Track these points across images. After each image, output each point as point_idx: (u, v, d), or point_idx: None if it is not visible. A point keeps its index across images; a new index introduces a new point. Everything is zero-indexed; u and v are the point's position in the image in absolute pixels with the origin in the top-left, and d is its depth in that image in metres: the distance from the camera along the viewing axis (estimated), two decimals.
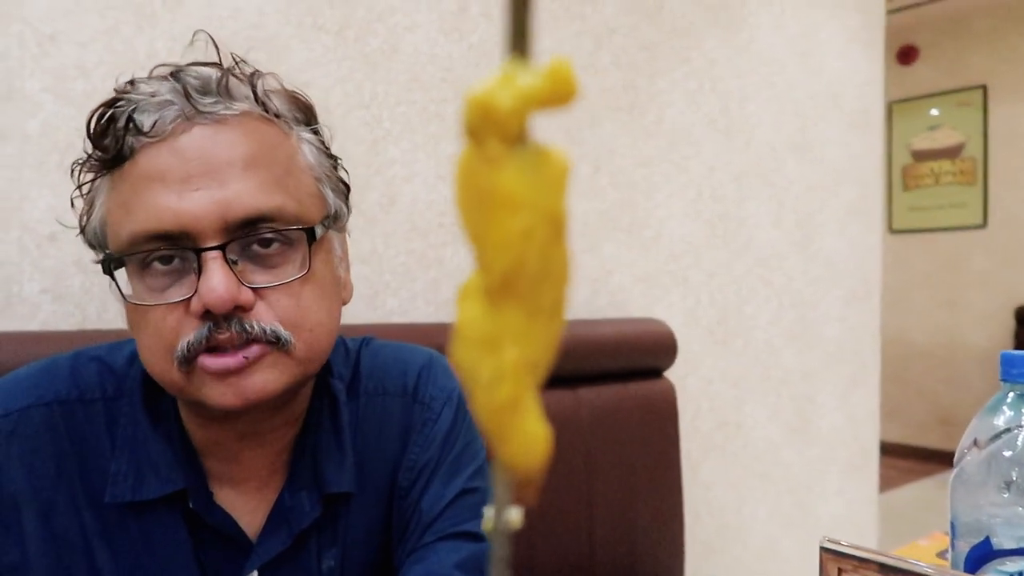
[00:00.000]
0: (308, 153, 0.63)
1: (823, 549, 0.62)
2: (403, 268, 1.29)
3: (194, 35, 0.62)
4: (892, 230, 5.11)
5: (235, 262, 0.56)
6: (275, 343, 0.57)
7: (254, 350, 0.57)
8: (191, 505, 0.62)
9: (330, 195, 0.64)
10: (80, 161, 0.59)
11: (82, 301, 0.97)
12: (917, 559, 0.59)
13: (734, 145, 1.89)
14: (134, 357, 0.66)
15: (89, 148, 0.58)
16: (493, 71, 0.20)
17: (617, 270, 1.64)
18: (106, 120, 0.57)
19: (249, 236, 0.57)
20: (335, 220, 0.65)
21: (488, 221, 0.20)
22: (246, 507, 0.66)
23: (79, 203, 0.61)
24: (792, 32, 2.04)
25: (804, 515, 2.08)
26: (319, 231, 0.60)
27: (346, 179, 0.67)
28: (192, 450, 0.64)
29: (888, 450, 4.76)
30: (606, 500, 1.37)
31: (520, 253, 0.20)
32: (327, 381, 0.69)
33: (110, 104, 0.57)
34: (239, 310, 0.56)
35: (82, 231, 0.61)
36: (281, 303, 0.58)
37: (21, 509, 0.59)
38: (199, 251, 0.55)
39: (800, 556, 2.03)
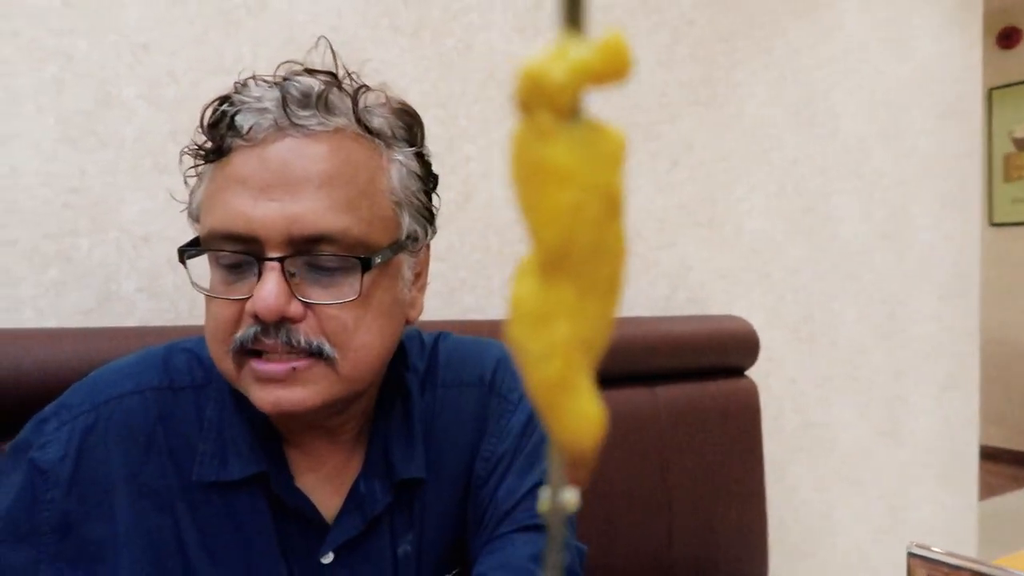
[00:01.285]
0: (394, 175, 0.63)
1: (911, 555, 0.59)
2: (479, 265, 1.29)
3: (317, 41, 0.63)
4: (992, 223, 4.84)
5: (293, 274, 0.58)
6: (319, 355, 0.59)
7: (302, 362, 0.58)
8: (272, 487, 0.64)
9: (407, 219, 0.63)
10: (189, 148, 0.62)
11: (175, 298, 1.01)
12: (1021, 570, 0.55)
13: (819, 136, 1.82)
14: None
15: (196, 140, 0.61)
16: (546, 45, 0.20)
17: (696, 266, 1.60)
18: (217, 115, 0.59)
19: (309, 254, 0.58)
20: (407, 244, 0.64)
21: (538, 194, 0.20)
22: (324, 492, 0.67)
23: (191, 183, 0.64)
24: (881, 16, 1.96)
25: (896, 522, 1.99)
26: (378, 259, 0.60)
27: (436, 202, 0.68)
28: (274, 435, 0.66)
29: (990, 455, 4.51)
30: (685, 501, 1.34)
31: (570, 227, 0.20)
32: (400, 375, 0.70)
33: (223, 100, 0.60)
34: (287, 321, 0.58)
35: (188, 209, 0.64)
36: (331, 321, 0.59)
37: (114, 488, 0.62)
38: (261, 259, 0.57)
39: (891, 565, 1.94)
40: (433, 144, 1.24)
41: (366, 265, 0.59)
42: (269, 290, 0.56)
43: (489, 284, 1.30)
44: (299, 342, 0.57)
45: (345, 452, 0.68)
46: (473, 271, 1.29)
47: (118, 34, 0.99)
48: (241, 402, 0.66)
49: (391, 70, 1.21)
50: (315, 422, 0.65)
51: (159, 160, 1.00)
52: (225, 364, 0.60)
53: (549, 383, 0.21)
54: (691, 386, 1.40)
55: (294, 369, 0.58)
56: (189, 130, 0.64)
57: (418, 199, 0.65)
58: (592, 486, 1.21)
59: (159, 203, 1.00)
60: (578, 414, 0.21)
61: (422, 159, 0.66)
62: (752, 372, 1.53)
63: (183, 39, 1.03)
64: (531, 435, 0.72)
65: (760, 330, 1.58)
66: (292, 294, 0.57)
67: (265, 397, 0.58)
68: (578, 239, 0.20)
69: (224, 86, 0.63)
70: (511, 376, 0.75)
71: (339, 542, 0.65)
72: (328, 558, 0.65)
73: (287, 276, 0.57)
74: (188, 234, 0.65)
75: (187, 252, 0.60)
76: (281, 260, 0.56)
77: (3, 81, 0.92)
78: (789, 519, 1.75)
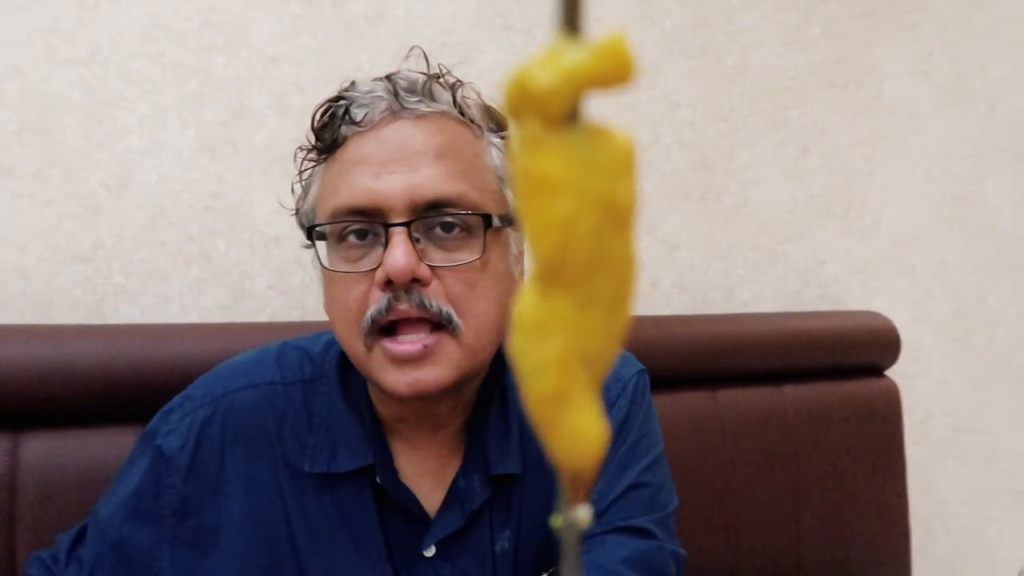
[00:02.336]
0: (495, 155, 0.67)
1: None
2: None
3: (410, 50, 0.69)
4: None
5: (417, 240, 0.61)
6: (446, 326, 0.61)
7: (431, 338, 0.61)
8: (378, 480, 0.66)
9: (511, 196, 0.68)
10: (303, 148, 0.67)
11: (303, 296, 1.08)
12: None
13: (972, 117, 1.67)
14: (330, 344, 0.72)
15: (309, 141, 0.67)
16: (542, 47, 0.19)
17: (830, 259, 1.51)
18: (327, 115, 0.65)
19: (432, 217, 0.61)
20: (513, 219, 0.68)
21: (532, 204, 0.19)
22: (427, 486, 0.69)
23: (298, 189, 0.69)
24: None
25: None
26: (496, 221, 0.64)
27: None
28: (381, 430, 0.69)
29: None
30: (815, 507, 1.27)
31: (564, 240, 0.19)
32: (497, 370, 0.71)
33: (332, 101, 0.65)
34: (417, 284, 0.60)
35: (296, 214, 0.69)
36: (454, 286, 0.62)
37: (228, 477, 0.67)
38: (387, 226, 0.60)
39: None
40: None
41: (487, 222, 0.63)
42: (400, 252, 0.59)
43: None
44: (431, 304, 0.60)
45: (448, 447, 0.70)
46: None
47: (250, 49, 1.06)
48: (349, 397, 0.69)
49: (504, 68, 1.22)
50: (431, 410, 0.67)
51: (287, 166, 1.06)
52: (356, 347, 0.63)
53: (543, 398, 0.20)
54: (822, 385, 1.32)
55: (425, 347, 0.61)
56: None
57: None
58: (712, 486, 1.18)
59: (287, 203, 1.06)
60: (574, 431, 0.21)
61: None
62: (893, 372, 1.43)
63: (307, 51, 1.09)
64: (626, 437, 0.71)
65: (903, 327, 1.47)
66: (419, 258, 0.60)
67: (401, 379, 0.61)
68: (574, 251, 0.19)
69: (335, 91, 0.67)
70: (608, 374, 0.73)
71: (440, 536, 0.67)
72: (430, 551, 0.67)
73: (413, 241, 0.60)
74: None
75: (316, 229, 0.64)
76: (407, 224, 0.60)
77: (151, 98, 1.01)
78: (937, 533, 1.62)
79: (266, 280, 1.06)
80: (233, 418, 0.68)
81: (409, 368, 0.61)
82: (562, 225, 0.19)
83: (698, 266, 1.37)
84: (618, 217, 0.20)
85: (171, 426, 0.69)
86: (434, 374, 0.61)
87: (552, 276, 0.20)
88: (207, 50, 1.03)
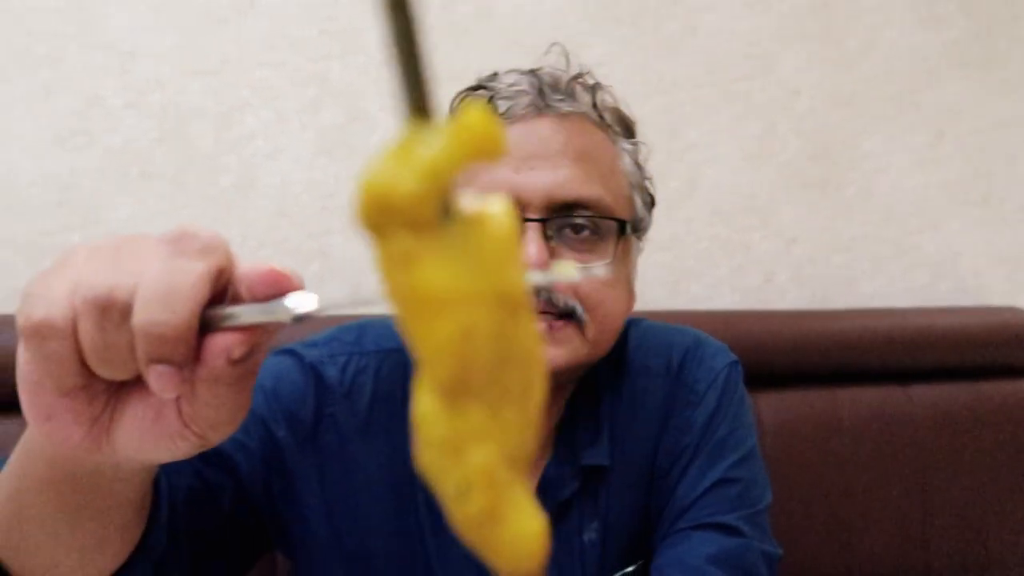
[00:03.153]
0: (627, 161, 0.68)
1: None
2: (706, 254, 1.25)
3: (550, 47, 0.70)
4: None
5: (550, 238, 0.62)
6: (572, 317, 0.62)
7: (558, 322, 0.62)
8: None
9: (639, 203, 0.69)
10: None
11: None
12: None
13: None
14: None
15: None
16: (388, 143, 0.16)
17: (966, 251, 1.41)
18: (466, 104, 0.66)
19: (567, 217, 0.62)
20: (638, 226, 0.69)
21: (420, 325, 0.17)
22: None
23: None
24: None
25: None
26: (629, 227, 0.66)
27: (653, 194, 0.72)
28: None
29: None
30: (945, 515, 1.19)
31: (463, 354, 0.17)
32: (592, 370, 0.71)
33: (471, 90, 0.67)
34: None
35: None
36: (583, 286, 0.63)
37: (373, 430, 0.67)
38: (524, 219, 0.61)
39: None
40: (655, 133, 1.23)
41: (622, 228, 0.64)
42: (535, 247, 0.60)
43: (716, 272, 1.26)
44: (557, 300, 0.61)
45: (542, 440, 0.70)
46: (700, 260, 1.25)
47: (365, 55, 1.11)
48: None
49: (612, 62, 1.21)
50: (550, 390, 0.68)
51: None
52: None
53: (473, 519, 0.18)
54: (956, 387, 1.23)
55: (550, 327, 0.62)
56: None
57: (645, 187, 0.70)
58: (828, 488, 1.12)
59: None
60: (512, 540, 0.19)
61: (637, 156, 0.70)
62: None
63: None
64: (716, 429, 0.70)
65: None
66: (551, 256, 0.62)
67: None
68: (476, 360, 0.17)
69: (449, 92, 0.69)
70: (697, 366, 0.73)
71: None
72: None
73: (546, 238, 0.61)
74: None
75: None
76: (542, 221, 0.61)
77: (274, 104, 1.07)
78: None
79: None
80: (383, 375, 0.69)
81: None
82: (460, 341, 0.17)
83: (817, 259, 1.32)
84: (513, 305, 0.18)
85: (324, 357, 0.69)
86: (553, 354, 0.62)
87: (457, 391, 0.18)
88: (324, 58, 1.09)
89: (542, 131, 0.63)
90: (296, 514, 0.66)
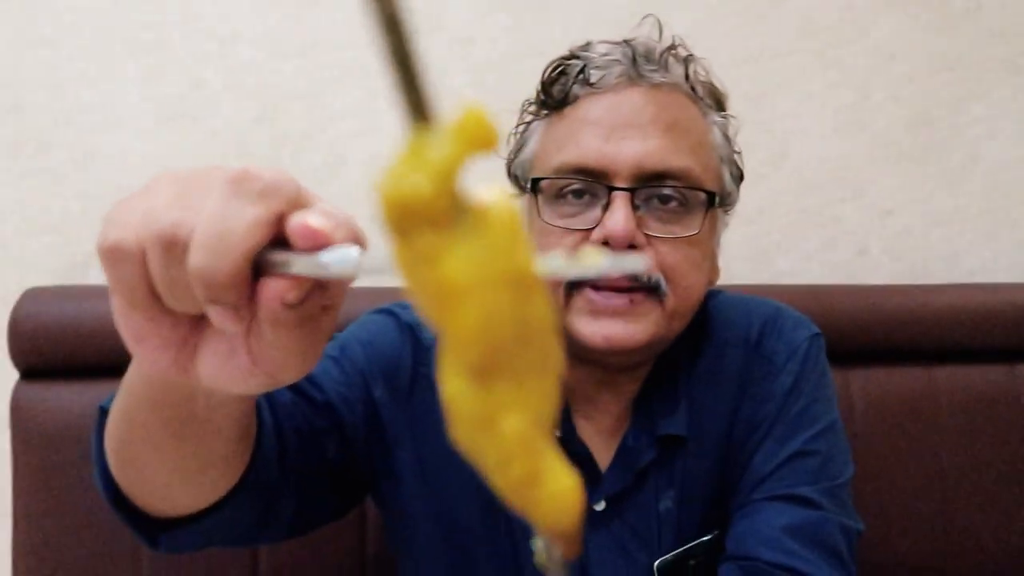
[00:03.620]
0: (716, 134, 0.68)
1: None
2: (794, 227, 1.22)
3: (643, 18, 0.70)
4: None
5: (637, 207, 0.62)
6: (654, 291, 0.63)
7: (639, 296, 0.62)
8: (557, 434, 0.69)
9: (727, 176, 0.69)
10: (528, 101, 0.70)
11: None
12: None
13: None
14: None
15: (532, 98, 0.70)
16: (398, 150, 0.18)
17: None
18: (558, 72, 0.67)
19: (656, 188, 0.63)
20: (726, 200, 0.69)
21: (448, 316, 0.19)
22: (599, 444, 0.71)
23: (512, 142, 0.72)
24: None
25: None
26: (718, 199, 0.66)
27: (741, 168, 0.72)
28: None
29: None
30: (968, 517, 1.11)
31: (490, 337, 0.19)
32: (671, 343, 0.71)
33: (564, 59, 0.67)
34: (631, 250, 0.62)
35: (508, 166, 0.72)
36: (667, 256, 0.63)
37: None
38: (612, 188, 0.62)
39: None
40: (742, 104, 1.20)
41: (711, 200, 0.64)
42: (623, 215, 0.61)
43: (805, 246, 1.23)
44: (642, 274, 0.62)
45: (621, 410, 0.72)
46: (786, 233, 1.22)
47: (447, 32, 1.13)
48: None
49: (699, 30, 1.19)
50: (612, 378, 0.69)
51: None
52: (555, 296, 0.65)
53: (516, 483, 0.20)
54: (986, 370, 1.12)
55: (632, 302, 0.62)
56: (510, 107, 0.72)
57: (733, 161, 0.70)
58: (923, 470, 1.08)
59: (482, 177, 1.12)
60: (553, 498, 0.21)
61: (727, 130, 0.71)
62: None
63: (502, 27, 1.14)
64: (794, 402, 0.69)
65: None
66: (637, 225, 0.62)
67: (597, 331, 0.63)
68: (500, 340, 0.19)
69: (538, 66, 0.69)
70: (776, 337, 0.72)
71: (610, 492, 0.69)
72: (600, 506, 0.69)
73: (633, 207, 0.62)
74: None
75: (539, 182, 0.66)
76: (631, 191, 0.62)
77: (364, 84, 1.11)
78: None
79: None
80: None
81: (606, 320, 0.62)
82: (484, 325, 0.18)
83: (914, 232, 1.26)
84: (525, 284, 0.19)
85: (420, 318, 0.70)
86: (631, 330, 0.62)
87: (485, 369, 0.19)
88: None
89: (634, 101, 0.64)
90: (389, 468, 0.70)
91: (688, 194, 0.64)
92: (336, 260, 0.25)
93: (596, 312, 0.63)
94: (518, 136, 0.71)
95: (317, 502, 0.65)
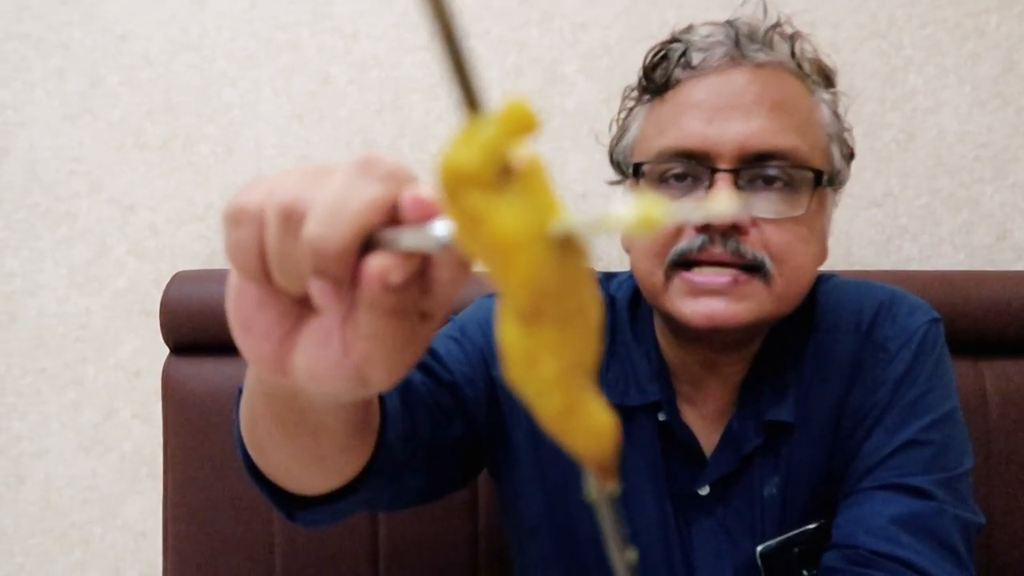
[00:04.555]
0: (824, 112, 0.67)
1: None
2: (924, 210, 1.16)
3: None
4: None
5: (741, 188, 0.62)
6: (759, 271, 0.62)
7: (742, 275, 0.62)
8: (662, 418, 0.70)
9: (836, 155, 0.68)
10: (630, 87, 0.71)
11: (607, 247, 1.14)
12: None
13: None
14: (620, 284, 0.77)
15: (632, 85, 0.70)
16: (453, 131, 0.21)
17: None
18: (660, 56, 0.68)
19: (760, 168, 0.62)
20: (835, 179, 0.68)
21: (500, 267, 0.22)
22: (704, 428, 0.71)
23: (615, 128, 0.73)
24: None
25: None
26: (826, 178, 0.65)
27: (852, 146, 0.70)
28: (666, 370, 0.72)
29: None
30: (1012, 516, 1.00)
31: (537, 284, 0.21)
32: (780, 326, 0.70)
33: (666, 43, 0.68)
34: (736, 231, 0.61)
35: (610, 151, 0.73)
36: (773, 237, 0.62)
37: None
38: (714, 170, 0.62)
39: None
40: (869, 81, 1.15)
41: (818, 179, 0.63)
42: (724, 196, 0.61)
43: (937, 231, 1.16)
44: (745, 252, 0.61)
45: (726, 394, 0.71)
46: (917, 217, 1.16)
47: (562, 18, 1.14)
48: (638, 336, 0.73)
49: (821, 5, 1.14)
50: (717, 360, 0.69)
51: (595, 125, 1.13)
52: (654, 279, 0.65)
53: (555, 414, 0.23)
54: None
55: (735, 280, 0.61)
56: (620, 96, 0.73)
57: (843, 139, 0.68)
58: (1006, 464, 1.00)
59: (595, 163, 1.13)
60: (589, 429, 0.23)
61: (836, 107, 0.69)
62: None
63: (614, 13, 1.14)
64: (907, 390, 0.66)
65: None
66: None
67: (699, 309, 0.62)
68: (545, 288, 0.22)
69: (642, 53, 0.69)
70: (891, 324, 0.69)
71: (715, 477, 0.69)
72: (704, 490, 0.69)
73: (737, 189, 0.62)
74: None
75: (641, 167, 0.67)
76: (735, 172, 0.62)
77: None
78: None
79: None
80: None
81: (708, 299, 0.62)
82: (533, 274, 0.21)
83: None
84: (564, 240, 0.22)
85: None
86: (734, 309, 0.62)
87: (532, 316, 0.22)
88: (524, 24, 1.13)
89: (736, 82, 0.63)
90: (505, 446, 0.73)
91: (794, 174, 0.63)
92: (445, 230, 0.25)
93: (696, 292, 0.62)
94: (620, 122, 0.72)
95: (444, 475, 0.68)
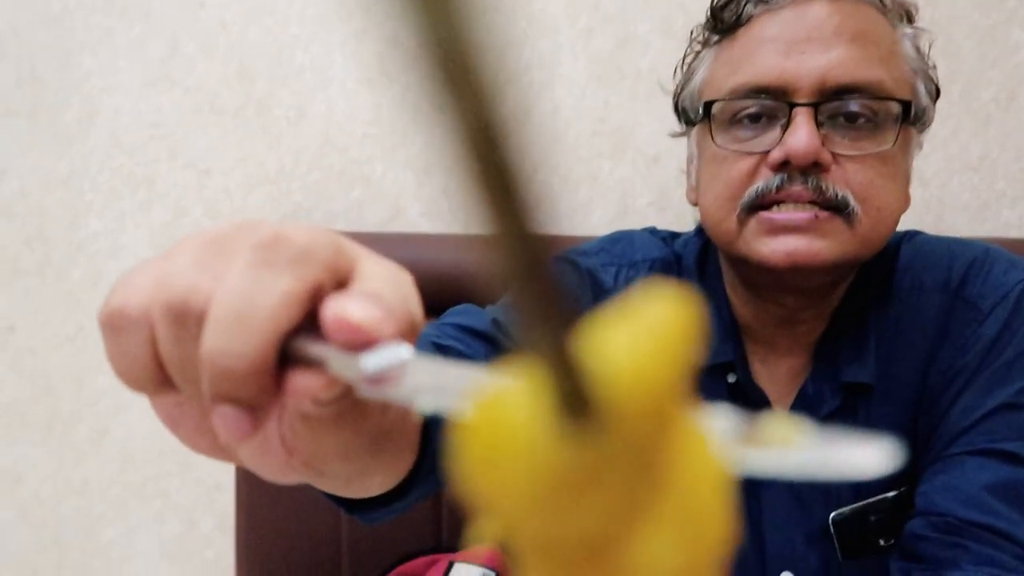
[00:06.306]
0: (907, 46, 0.63)
1: None
2: None
3: None
4: None
5: (821, 124, 0.59)
6: (842, 210, 0.58)
7: (824, 213, 0.58)
8: (732, 379, 0.67)
9: (922, 91, 0.64)
10: (696, 29, 0.68)
11: (680, 211, 1.11)
12: None
13: None
14: (686, 243, 0.74)
15: (699, 27, 0.68)
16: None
17: None
18: None
19: (842, 102, 0.59)
20: (921, 116, 0.63)
21: None
22: (777, 390, 0.67)
23: (679, 74, 0.71)
24: None
25: None
26: (913, 111, 0.61)
27: (937, 84, 0.66)
28: (737, 329, 0.69)
29: None
30: None
31: None
32: (862, 282, 0.67)
33: None
34: (816, 168, 0.58)
35: (676, 99, 0.70)
36: (856, 175, 0.59)
37: None
38: (792, 105, 0.58)
39: None
40: (964, 34, 1.08)
41: (905, 113, 0.60)
42: (805, 132, 0.57)
43: None
44: (827, 188, 0.58)
45: (801, 354, 0.68)
46: (1017, 181, 1.08)
47: None
48: (707, 292, 0.70)
49: None
50: (792, 316, 0.66)
51: (668, 85, 1.10)
52: (727, 224, 0.62)
53: None
54: None
55: (816, 217, 0.58)
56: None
57: (928, 75, 0.64)
58: None
59: (667, 125, 1.09)
60: None
61: (919, 42, 0.65)
62: None
63: None
64: (1001, 351, 0.62)
65: None
66: (822, 143, 0.58)
67: (778, 248, 0.59)
68: None
69: None
70: (983, 281, 0.64)
71: None
72: None
73: (817, 124, 0.58)
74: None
75: (712, 104, 0.63)
76: (814, 106, 0.58)
77: (547, 36, 1.11)
78: None
79: (647, 198, 1.11)
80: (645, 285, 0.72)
81: (788, 236, 0.59)
82: None
83: None
84: None
85: (597, 265, 0.71)
86: (817, 247, 0.58)
87: None
88: None
89: (815, 13, 0.60)
90: None
91: (878, 109, 0.59)
92: (380, 364, 0.20)
93: (775, 230, 0.59)
94: (686, 68, 0.68)
95: None
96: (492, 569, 0.89)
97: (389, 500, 0.49)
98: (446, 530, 0.99)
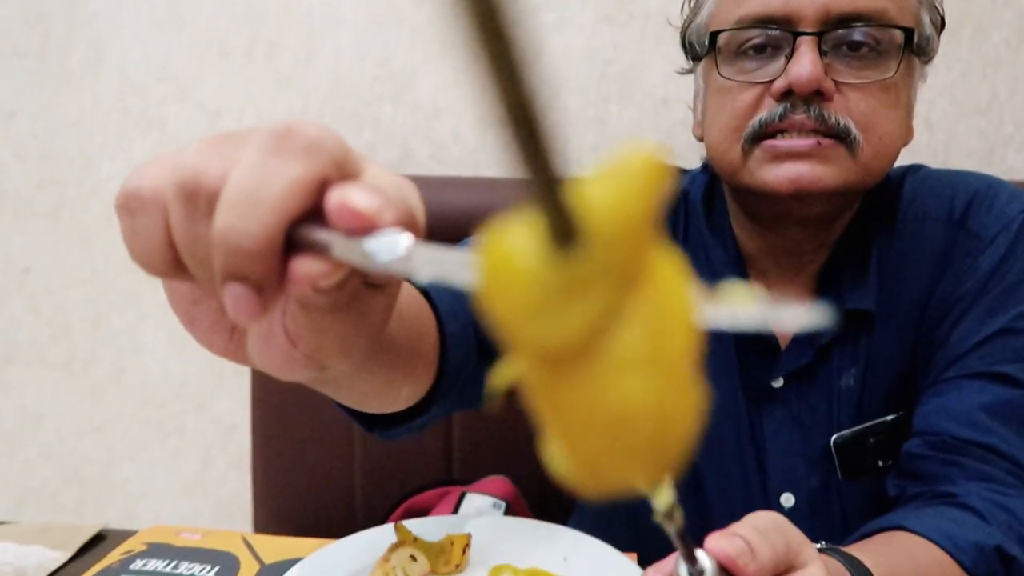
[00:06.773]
0: None
1: None
2: None
3: None
4: None
5: (824, 54, 0.59)
6: (844, 138, 0.59)
7: (827, 140, 0.59)
8: None
9: (926, 20, 0.63)
10: None
11: (689, 155, 1.11)
12: None
13: None
14: (693, 179, 0.75)
15: None
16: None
17: None
18: None
19: (845, 31, 0.59)
20: (924, 46, 0.63)
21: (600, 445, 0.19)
22: None
23: (687, 9, 0.71)
24: None
25: None
26: (915, 38, 0.61)
27: (942, 13, 0.65)
28: (742, 260, 0.70)
29: None
30: None
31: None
32: (864, 210, 0.68)
33: None
34: (818, 97, 0.59)
35: (683, 34, 0.71)
36: (859, 103, 0.60)
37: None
38: (796, 34, 0.59)
39: None
40: None
41: (908, 40, 0.60)
42: (808, 60, 0.58)
43: None
44: (829, 117, 0.59)
45: (804, 283, 0.69)
46: (1023, 125, 1.09)
47: None
48: (712, 225, 0.71)
49: None
50: (795, 248, 0.67)
51: (676, 22, 1.09)
52: (731, 155, 0.63)
53: None
54: None
55: (818, 144, 0.59)
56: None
57: (934, 4, 0.64)
58: None
59: (676, 65, 1.09)
60: None
61: None
62: None
63: None
64: (1001, 278, 0.63)
65: None
66: (825, 71, 0.59)
67: (782, 174, 0.60)
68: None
69: None
70: (987, 211, 0.65)
71: (790, 369, 0.67)
72: (778, 382, 0.68)
73: (820, 53, 0.59)
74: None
75: (718, 35, 0.63)
76: (818, 35, 0.59)
77: None
78: None
79: (655, 140, 1.12)
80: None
81: (792, 162, 0.60)
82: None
83: None
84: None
85: None
86: (820, 172, 0.59)
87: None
88: None
89: None
90: None
91: (881, 37, 0.59)
92: (382, 249, 0.21)
93: (779, 156, 0.60)
94: (693, 3, 0.69)
95: None
96: (503, 499, 0.92)
97: (410, 416, 0.52)
98: (457, 463, 1.02)
